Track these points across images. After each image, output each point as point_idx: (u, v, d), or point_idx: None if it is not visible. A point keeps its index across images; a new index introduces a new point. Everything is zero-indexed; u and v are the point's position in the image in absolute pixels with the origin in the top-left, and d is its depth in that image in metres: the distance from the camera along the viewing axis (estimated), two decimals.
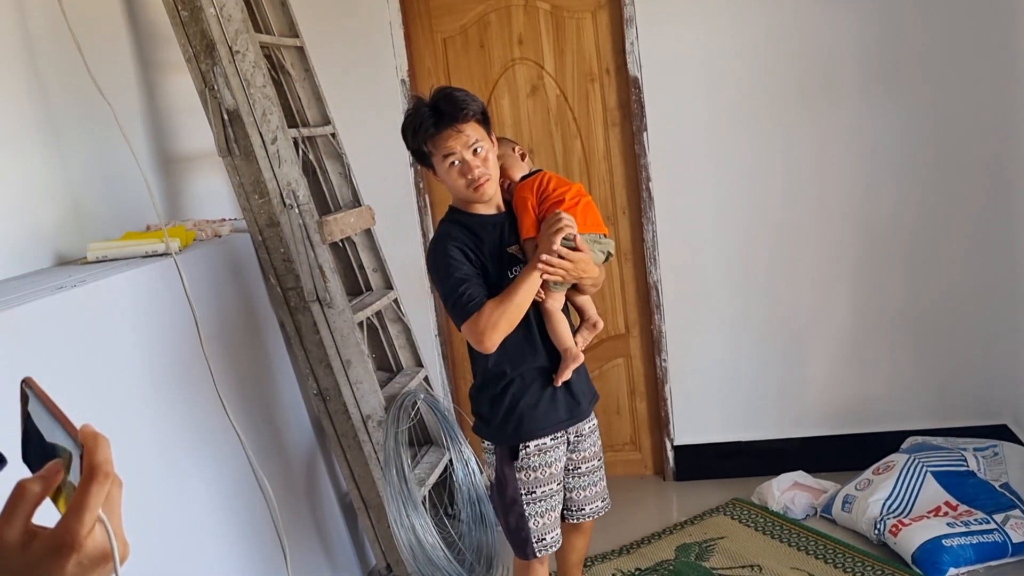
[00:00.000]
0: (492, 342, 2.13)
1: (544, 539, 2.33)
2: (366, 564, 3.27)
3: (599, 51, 3.61)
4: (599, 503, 2.50)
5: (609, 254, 2.34)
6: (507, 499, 2.33)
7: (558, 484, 2.36)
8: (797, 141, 3.51)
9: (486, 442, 2.38)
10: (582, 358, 2.27)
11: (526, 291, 2.14)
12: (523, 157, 2.39)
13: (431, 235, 3.71)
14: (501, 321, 2.13)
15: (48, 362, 1.92)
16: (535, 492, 2.30)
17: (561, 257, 2.12)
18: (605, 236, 2.32)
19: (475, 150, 2.16)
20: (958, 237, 3.48)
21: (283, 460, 2.88)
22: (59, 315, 1.97)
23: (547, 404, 2.29)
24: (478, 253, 2.22)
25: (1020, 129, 3.23)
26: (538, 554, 2.33)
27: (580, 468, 2.43)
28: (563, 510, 2.46)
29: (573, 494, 2.46)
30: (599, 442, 2.48)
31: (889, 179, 3.48)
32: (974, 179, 3.43)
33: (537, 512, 2.31)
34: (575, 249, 2.15)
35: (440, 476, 3.28)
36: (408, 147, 2.25)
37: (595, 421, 2.47)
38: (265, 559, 2.65)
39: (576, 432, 2.39)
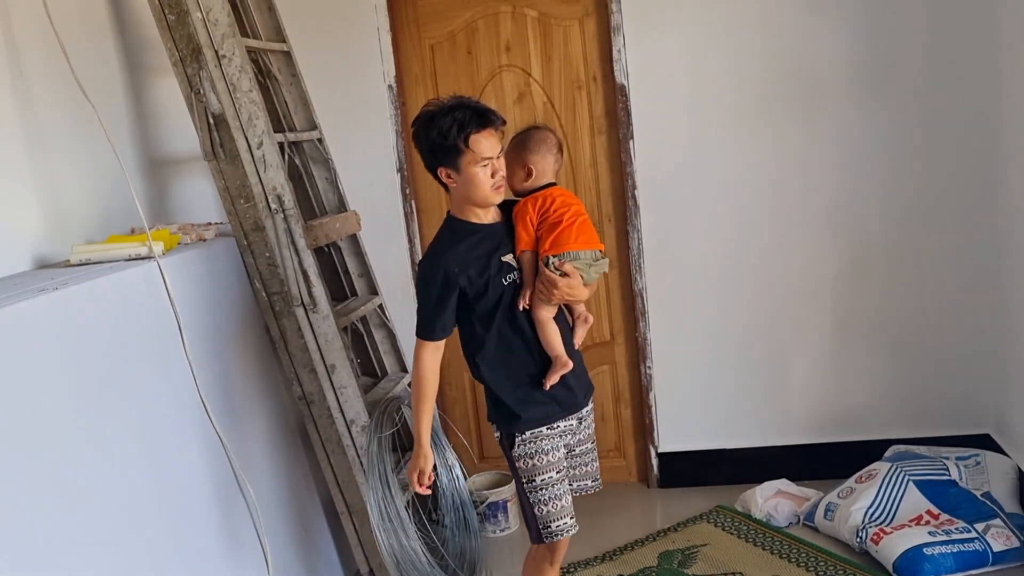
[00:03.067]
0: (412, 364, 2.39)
1: (549, 526, 2.42)
2: (349, 569, 3.26)
3: (586, 58, 3.63)
4: (588, 482, 2.61)
5: (603, 272, 2.45)
6: (516, 485, 2.48)
7: (558, 472, 2.44)
8: (782, 150, 3.53)
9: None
10: (570, 365, 2.37)
11: (420, 421, 2.40)
12: (528, 175, 2.42)
13: (417, 240, 3.74)
14: (420, 374, 2.38)
15: (29, 364, 1.91)
16: (534, 480, 2.41)
17: (550, 281, 2.28)
18: (602, 253, 2.41)
19: (499, 156, 2.30)
20: (941, 246, 3.50)
21: (266, 465, 2.88)
22: (40, 318, 1.97)
23: (542, 400, 2.40)
24: (470, 265, 2.31)
25: (1003, 137, 3.25)
26: (544, 540, 2.43)
27: (575, 450, 2.55)
28: None
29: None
30: (593, 426, 2.61)
31: (872, 188, 3.50)
32: (957, 187, 3.45)
33: (540, 500, 2.41)
34: (563, 275, 2.29)
35: None
36: (434, 140, 2.25)
37: (591, 406, 2.58)
38: (245, 563, 2.64)
39: (577, 417, 2.50)
